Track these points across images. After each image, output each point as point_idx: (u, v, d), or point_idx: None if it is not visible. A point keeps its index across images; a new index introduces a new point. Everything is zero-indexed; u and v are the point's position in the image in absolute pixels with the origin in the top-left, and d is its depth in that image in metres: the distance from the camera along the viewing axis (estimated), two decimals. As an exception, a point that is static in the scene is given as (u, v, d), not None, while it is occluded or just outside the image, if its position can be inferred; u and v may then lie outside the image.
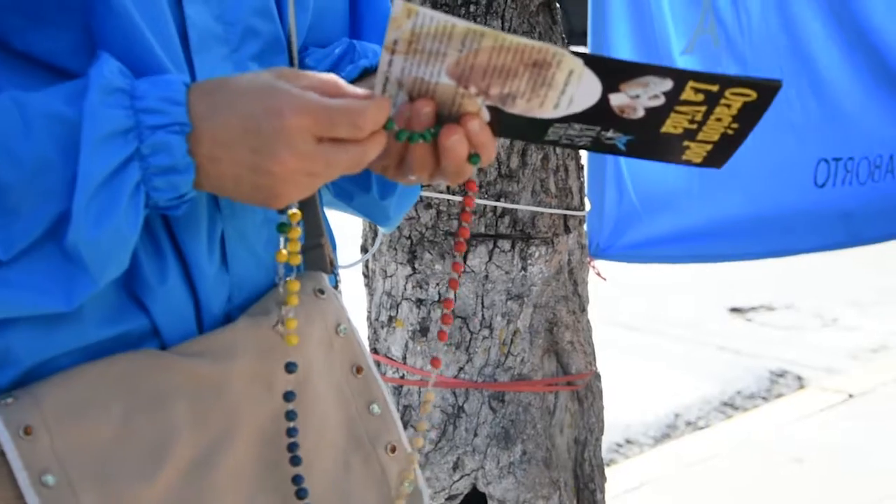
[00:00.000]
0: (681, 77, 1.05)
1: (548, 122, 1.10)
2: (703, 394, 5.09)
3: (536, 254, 2.28)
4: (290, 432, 1.13)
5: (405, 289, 2.30)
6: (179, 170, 1.00)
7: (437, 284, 2.28)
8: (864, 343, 5.78)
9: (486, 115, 1.09)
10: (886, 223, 3.22)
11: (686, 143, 1.12)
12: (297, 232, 1.10)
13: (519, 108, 1.08)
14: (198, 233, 1.10)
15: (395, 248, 2.29)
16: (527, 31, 2.22)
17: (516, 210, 2.24)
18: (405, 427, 2.32)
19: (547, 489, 2.33)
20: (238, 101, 1.00)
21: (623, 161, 2.73)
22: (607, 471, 4.34)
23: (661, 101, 1.06)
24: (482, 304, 2.28)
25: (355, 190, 1.30)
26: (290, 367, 1.12)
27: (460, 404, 2.30)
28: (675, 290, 6.26)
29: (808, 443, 4.43)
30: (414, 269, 2.28)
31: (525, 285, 2.29)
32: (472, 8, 2.18)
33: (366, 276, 2.39)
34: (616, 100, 1.06)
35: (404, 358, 2.32)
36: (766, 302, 6.39)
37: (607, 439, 4.61)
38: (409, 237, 2.27)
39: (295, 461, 1.13)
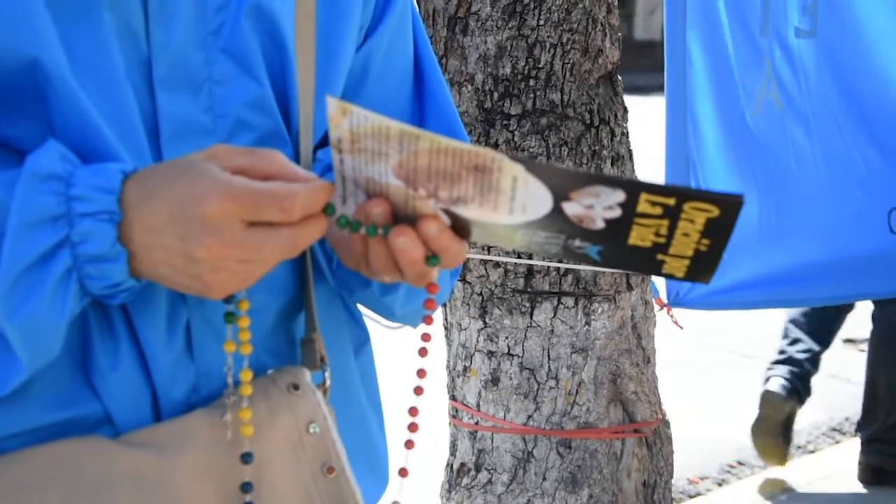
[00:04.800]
0: (632, 189, 0.84)
1: (512, 228, 0.91)
2: (814, 419, 4.77)
3: (599, 310, 2.11)
4: None
5: (478, 341, 2.16)
6: (109, 258, 0.87)
7: (507, 338, 2.13)
8: (972, 372, 5.33)
9: (445, 219, 0.91)
10: None
11: (660, 256, 0.90)
12: (246, 321, 0.96)
13: (473, 212, 0.90)
14: (154, 319, 0.97)
15: (468, 304, 2.16)
16: (585, 102, 2.06)
17: (578, 269, 2.08)
18: (478, 469, 2.18)
19: (614, 530, 2.16)
20: (166, 186, 0.87)
21: None
22: (720, 490, 4.14)
23: (617, 212, 0.86)
24: (548, 356, 2.12)
25: (355, 284, 1.12)
26: (246, 458, 0.97)
27: (529, 450, 2.14)
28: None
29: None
30: (485, 323, 2.14)
31: (589, 339, 2.12)
32: (531, 82, 2.03)
33: (445, 328, 2.27)
34: (570, 209, 0.86)
35: (478, 405, 2.18)
36: (879, 333, 5.97)
37: (720, 460, 4.38)
38: (481, 294, 2.13)
39: None
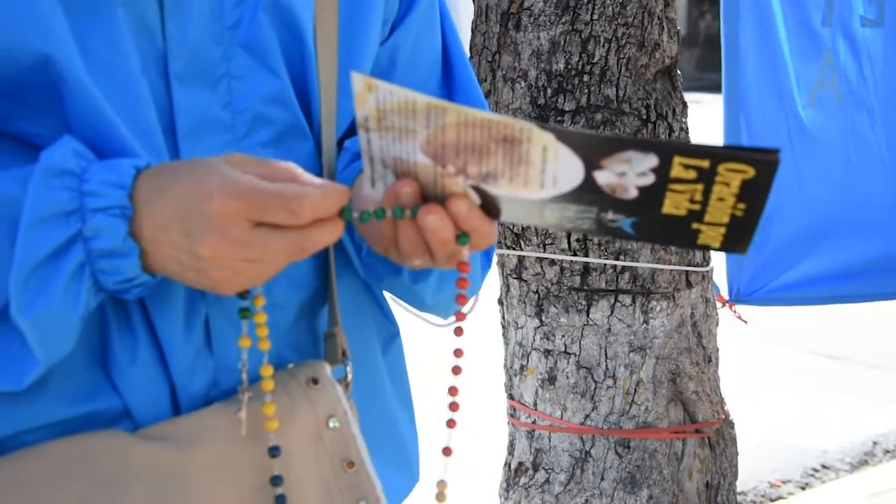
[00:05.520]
0: (665, 151, 0.81)
1: (543, 204, 0.88)
2: (903, 423, 4.61)
3: (658, 308, 2.05)
4: None
5: (534, 340, 2.12)
6: (121, 253, 0.86)
7: (563, 336, 2.08)
8: None
9: (474, 197, 0.88)
10: None
11: (695, 225, 0.86)
12: (263, 317, 0.94)
13: (503, 188, 0.87)
14: (172, 314, 0.96)
15: (525, 302, 2.12)
16: (642, 97, 2.01)
17: (635, 266, 2.03)
18: (535, 468, 2.14)
19: (674, 532, 2.10)
20: (176, 184, 0.86)
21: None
22: (802, 494, 4.02)
23: (651, 178, 0.82)
24: (605, 355, 2.07)
25: (385, 272, 1.09)
26: (274, 452, 0.96)
27: (587, 449, 2.10)
28: (885, 321, 5.72)
29: None
30: (541, 321, 2.10)
31: (647, 338, 2.06)
32: (585, 77, 1.98)
33: (503, 326, 2.23)
34: (602, 178, 0.83)
35: (535, 404, 2.14)
36: (973, 334, 5.74)
37: (803, 464, 4.25)
38: (537, 292, 2.09)
39: None
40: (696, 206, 0.84)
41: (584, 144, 0.82)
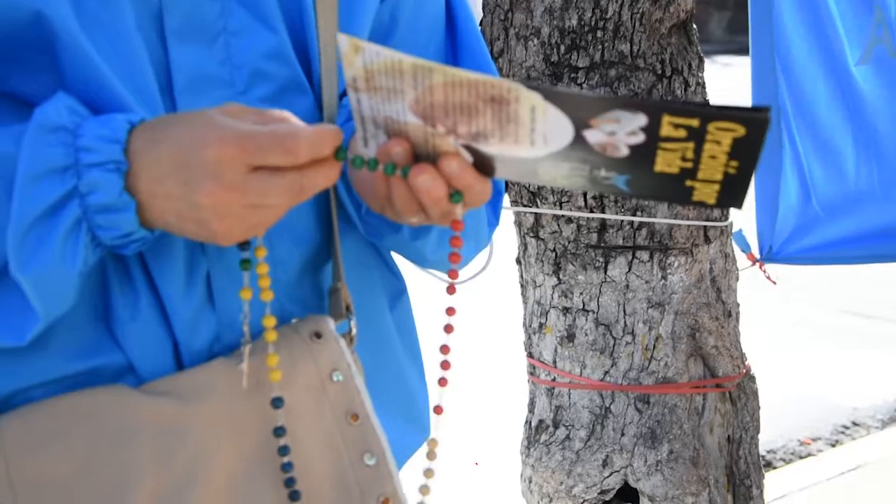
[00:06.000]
0: (653, 110, 0.80)
1: (535, 162, 0.87)
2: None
3: (676, 263, 2.04)
4: (285, 467, 0.97)
5: (552, 298, 2.12)
6: (118, 208, 0.86)
7: (581, 294, 2.08)
8: None
9: (466, 156, 0.88)
10: None
11: (689, 182, 0.86)
12: (265, 268, 0.94)
13: (494, 147, 0.87)
14: (172, 270, 0.96)
15: (542, 261, 2.11)
16: (657, 52, 1.98)
17: (652, 222, 2.01)
18: (556, 425, 2.15)
19: (695, 486, 2.09)
20: (171, 134, 0.86)
21: (807, 169, 2.42)
22: (832, 452, 4.00)
23: (641, 137, 0.82)
24: (624, 311, 2.06)
25: (384, 229, 1.10)
26: (277, 403, 0.97)
27: (607, 405, 2.10)
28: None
29: None
30: (559, 279, 2.09)
31: (665, 293, 2.05)
32: (598, 34, 1.96)
33: (522, 285, 2.23)
34: (592, 137, 0.83)
35: (555, 362, 2.14)
36: None
37: (834, 421, 4.23)
38: (554, 250, 2.08)
39: (294, 496, 0.97)
40: (689, 164, 0.84)
41: (572, 104, 0.82)
